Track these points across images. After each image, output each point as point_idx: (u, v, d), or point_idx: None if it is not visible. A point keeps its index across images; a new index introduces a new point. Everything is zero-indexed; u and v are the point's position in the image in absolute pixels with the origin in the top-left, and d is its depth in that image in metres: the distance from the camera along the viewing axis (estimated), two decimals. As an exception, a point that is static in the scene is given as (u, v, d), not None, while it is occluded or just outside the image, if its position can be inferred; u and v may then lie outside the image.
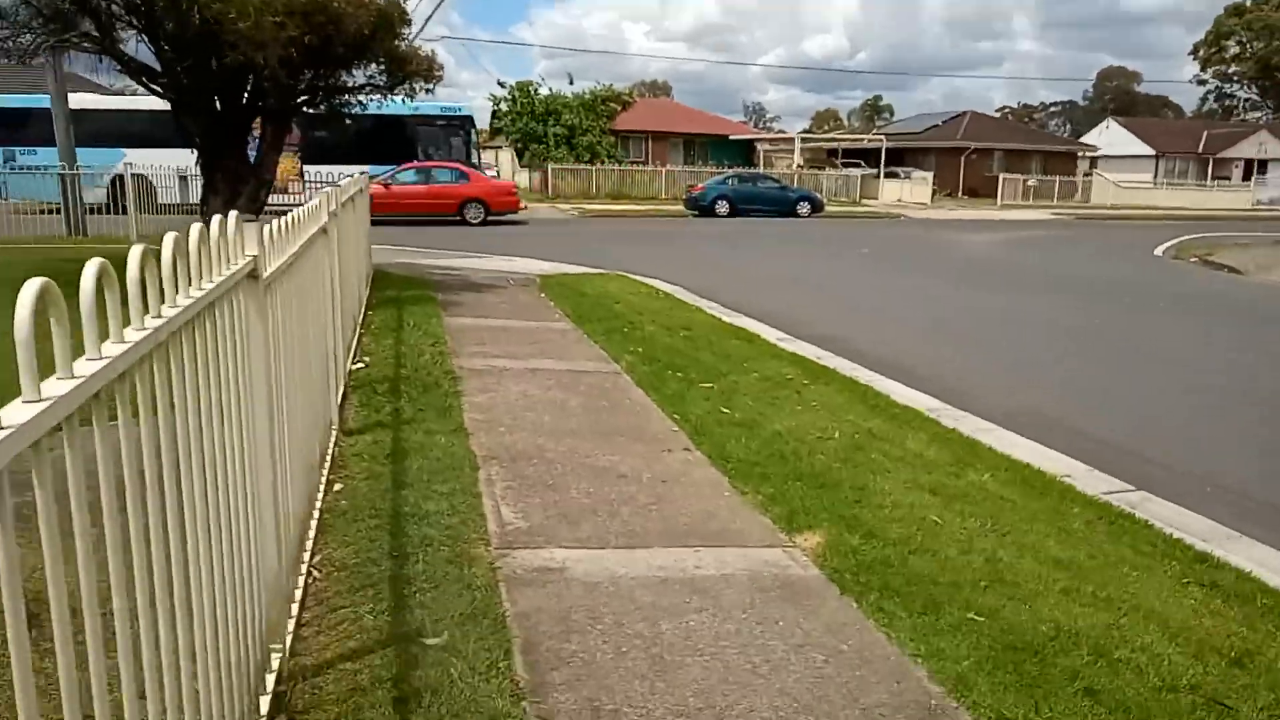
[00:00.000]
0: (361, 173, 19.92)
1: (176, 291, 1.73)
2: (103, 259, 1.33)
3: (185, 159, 29.70)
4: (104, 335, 1.38)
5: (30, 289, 1.12)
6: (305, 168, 28.50)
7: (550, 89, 40.51)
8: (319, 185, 29.08)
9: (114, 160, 25.65)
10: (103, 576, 1.28)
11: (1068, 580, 3.76)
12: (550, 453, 5.13)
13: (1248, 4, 57.99)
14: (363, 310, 8.63)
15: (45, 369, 1.16)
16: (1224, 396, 8.00)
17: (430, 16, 32.81)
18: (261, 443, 2.55)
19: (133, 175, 22.33)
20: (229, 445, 2.09)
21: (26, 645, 1.01)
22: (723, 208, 30.74)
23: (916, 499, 4.59)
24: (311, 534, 3.67)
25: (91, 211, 19.86)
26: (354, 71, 11.27)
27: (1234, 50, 58.35)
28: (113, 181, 25.35)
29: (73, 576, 1.18)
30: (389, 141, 27.21)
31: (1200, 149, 53.31)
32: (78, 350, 1.28)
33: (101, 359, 1.32)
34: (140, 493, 1.46)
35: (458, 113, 28.08)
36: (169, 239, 1.71)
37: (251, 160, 10.97)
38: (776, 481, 4.75)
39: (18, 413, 1.08)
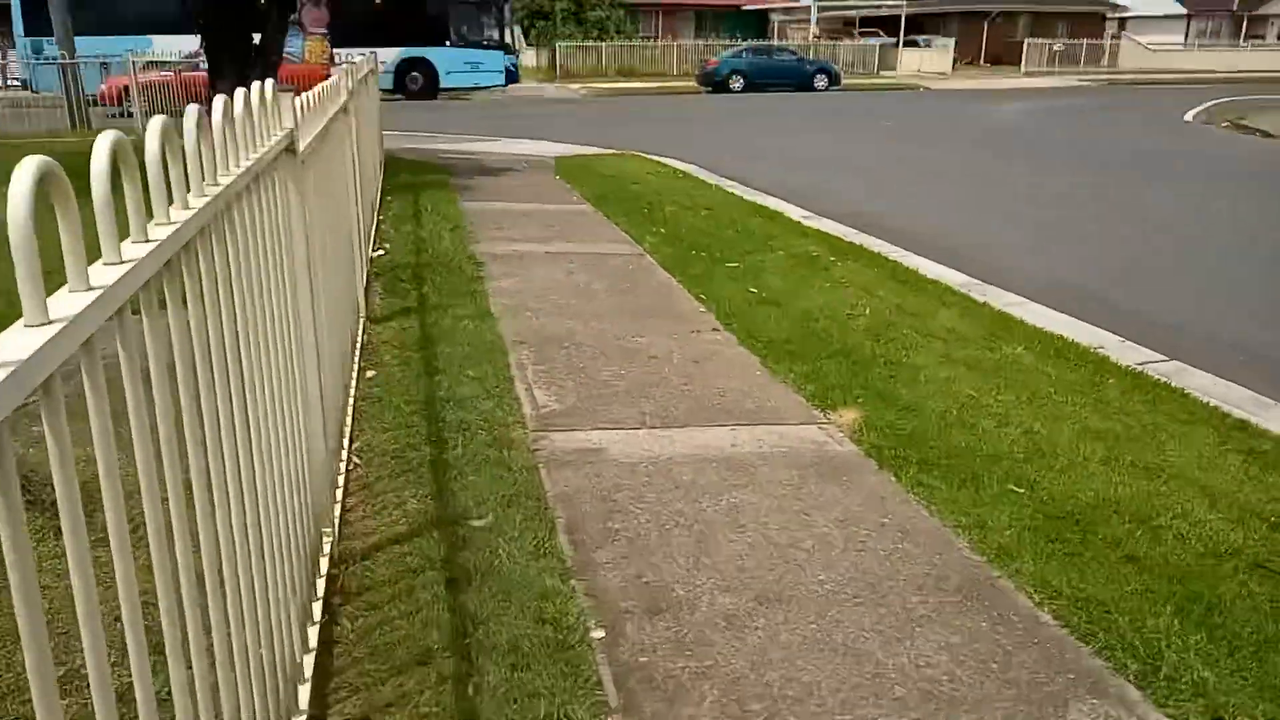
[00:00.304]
0: (398, 56, 20.20)
1: (229, 161, 1.66)
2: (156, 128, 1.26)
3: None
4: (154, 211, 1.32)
5: (104, 141, 1.06)
6: (335, 51, 28.01)
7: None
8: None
9: (142, 49, 24.44)
10: (181, 450, 1.26)
11: (1106, 450, 3.74)
12: (579, 335, 5.10)
13: None
14: (379, 196, 8.51)
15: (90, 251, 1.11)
16: (1256, 265, 7.84)
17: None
18: (305, 325, 2.52)
19: (145, 64, 20.94)
20: (277, 328, 2.05)
21: (84, 536, 0.99)
22: (737, 83, 29.91)
23: (951, 373, 4.55)
24: (349, 421, 3.68)
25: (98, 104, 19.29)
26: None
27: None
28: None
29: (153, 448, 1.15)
30: (419, 22, 26.36)
31: (1235, 6, 50.97)
32: (122, 232, 1.23)
33: (171, 223, 1.27)
34: (208, 374, 1.42)
35: None
36: (201, 112, 1.63)
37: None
38: (809, 359, 4.72)
39: (104, 274, 1.04)
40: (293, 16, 10.58)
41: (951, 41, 40.96)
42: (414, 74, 26.64)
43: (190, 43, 22.38)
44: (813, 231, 8.07)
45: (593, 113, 22.55)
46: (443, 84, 26.85)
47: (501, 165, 12.01)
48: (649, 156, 12.78)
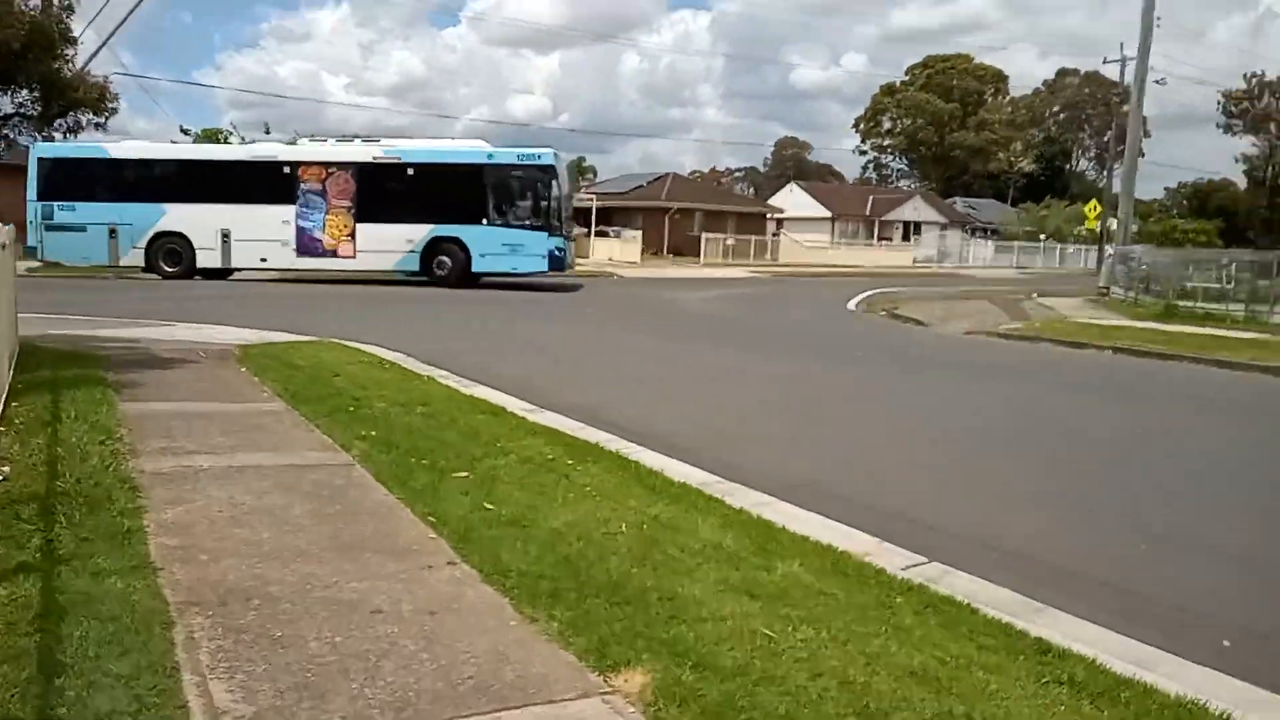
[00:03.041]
0: (428, 234, 22.82)
1: None
2: None
3: (232, 216, 24.00)
4: None
5: None
6: (360, 227, 23.90)
7: (243, 138, 37.49)
8: (371, 252, 24.05)
9: (154, 218, 23.90)
10: None
11: (934, 700, 3.22)
12: (275, 586, 3.95)
13: (898, 84, 66.18)
14: (3, 399, 6.78)
15: None
16: (968, 446, 8.21)
17: (105, 42, 29.26)
18: None
19: (157, 234, 23.63)
20: None
21: None
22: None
23: (736, 606, 3.92)
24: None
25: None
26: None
27: (888, 125, 66.27)
28: (151, 240, 23.91)
29: None
30: (452, 196, 23.75)
31: (868, 212, 59.60)
32: None
33: None
34: None
35: (535, 160, 23.44)
36: None
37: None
38: (571, 599, 3.90)
39: None
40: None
41: (639, 233, 43.86)
42: (443, 256, 23.60)
43: (207, 213, 23.31)
44: (542, 429, 7.41)
45: (276, 295, 20.99)
46: (475, 268, 23.62)
47: (175, 355, 10.39)
48: (349, 344, 11.70)
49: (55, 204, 23.82)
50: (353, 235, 23.64)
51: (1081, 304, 23.56)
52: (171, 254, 23.94)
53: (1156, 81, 26.21)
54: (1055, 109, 61.70)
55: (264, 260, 23.99)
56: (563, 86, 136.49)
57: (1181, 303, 20.08)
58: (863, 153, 73.85)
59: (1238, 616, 4.54)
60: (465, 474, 5.83)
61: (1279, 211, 50.21)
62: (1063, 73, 70.18)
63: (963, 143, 64.60)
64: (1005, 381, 12.57)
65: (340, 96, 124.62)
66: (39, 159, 23.94)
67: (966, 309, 22.47)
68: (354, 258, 23.70)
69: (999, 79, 67.07)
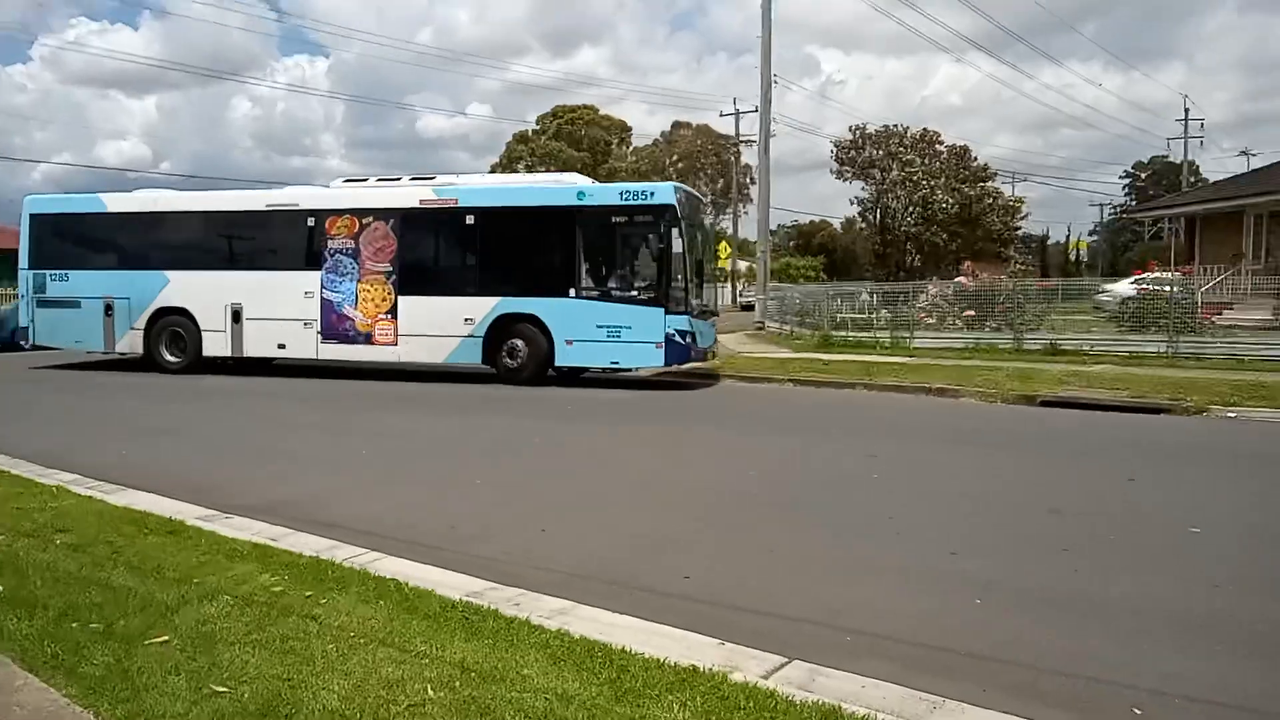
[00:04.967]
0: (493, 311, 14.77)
1: None
2: None
3: (244, 286, 17.31)
4: None
5: None
6: (404, 302, 16.55)
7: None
8: (418, 336, 16.52)
9: (154, 289, 17.86)
10: None
11: None
12: None
13: (529, 133, 67.72)
14: None
15: None
16: (712, 504, 7.69)
17: None
18: None
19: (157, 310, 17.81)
20: None
21: None
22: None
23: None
24: None
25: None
26: None
27: (523, 170, 67.39)
28: (152, 319, 17.91)
29: None
30: (532, 252, 16.37)
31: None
32: None
33: None
34: None
35: (647, 199, 15.44)
36: None
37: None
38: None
39: None
40: None
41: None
42: (514, 341, 16.13)
43: (214, 282, 17.41)
44: (246, 547, 5.72)
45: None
46: (561, 360, 16.02)
47: None
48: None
49: (48, 273, 18.34)
50: (393, 312, 16.55)
51: (743, 338, 24.93)
52: (175, 339, 17.91)
53: (770, 135, 28.56)
54: (674, 158, 66.54)
55: (282, 347, 17.32)
56: (163, 131, 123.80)
57: (835, 332, 21.89)
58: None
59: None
60: (163, 637, 4.15)
61: (890, 246, 57.89)
62: (677, 125, 76.12)
63: (594, 190, 67.21)
64: (713, 426, 12.48)
65: None
66: (32, 215, 18.51)
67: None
68: (394, 344, 16.57)
69: (623, 129, 71.12)
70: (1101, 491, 8.02)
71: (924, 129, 56.50)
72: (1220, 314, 22.23)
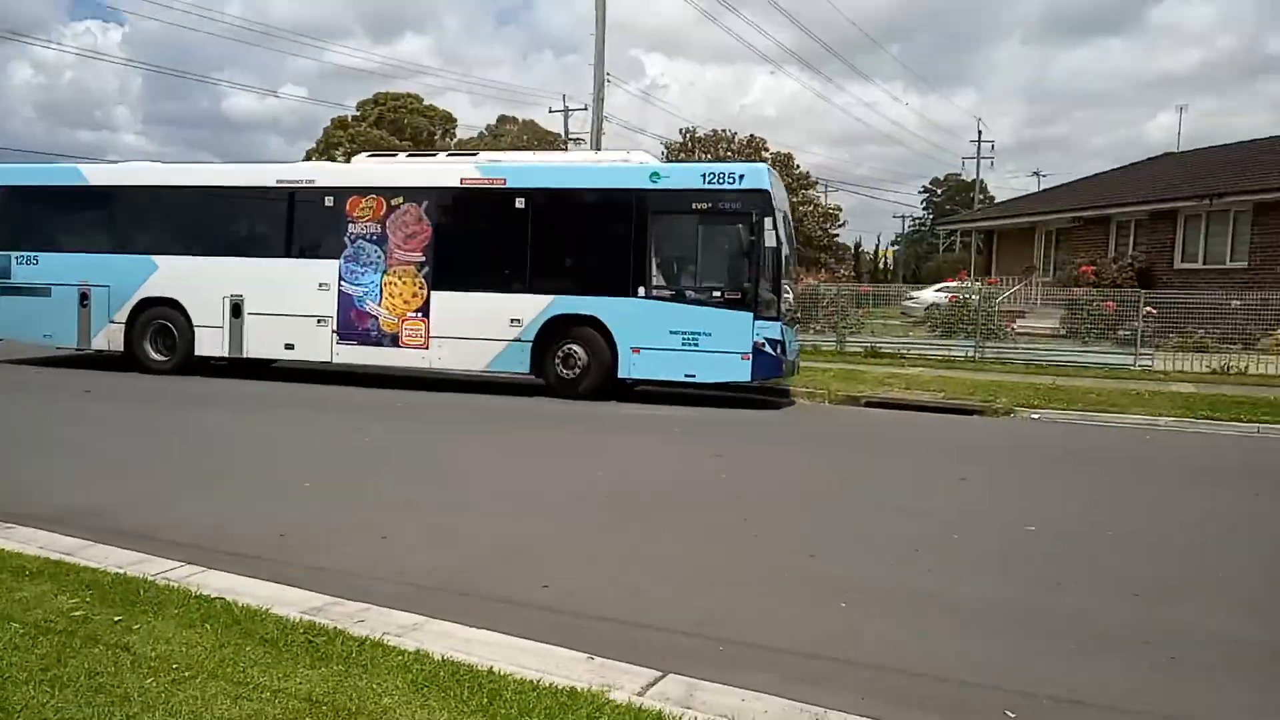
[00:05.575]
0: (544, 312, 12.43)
1: None
2: None
3: (246, 275, 14.99)
4: None
5: None
6: (437, 297, 14.13)
7: None
8: (453, 339, 14.07)
9: (138, 276, 15.24)
10: None
11: None
12: None
13: (349, 119, 64.78)
14: None
15: None
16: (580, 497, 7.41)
17: None
18: None
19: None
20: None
21: None
22: None
23: None
24: None
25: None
26: None
27: (341, 158, 64.45)
28: (134, 312, 15.24)
29: None
30: (593, 243, 13.93)
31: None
32: None
33: None
34: None
35: (735, 184, 13.02)
36: None
37: None
38: None
39: None
40: None
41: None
42: (570, 347, 13.56)
43: (210, 268, 15.00)
44: (36, 563, 4.94)
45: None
46: (625, 371, 13.45)
47: None
48: None
49: (13, 255, 15.72)
50: (424, 310, 14.16)
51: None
52: (163, 335, 15.25)
53: (601, 134, 28.48)
54: (363, 156, 65.39)
55: (290, 348, 14.80)
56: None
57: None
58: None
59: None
60: (-67, 679, 3.44)
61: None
62: (504, 119, 74.98)
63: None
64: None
65: None
66: None
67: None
68: (425, 347, 14.17)
69: (448, 120, 69.23)
70: (939, 491, 8.30)
71: (750, 135, 58.13)
72: (1014, 322, 23.95)
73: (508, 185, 13.96)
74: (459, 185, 14.18)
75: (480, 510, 7.12)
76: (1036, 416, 13.28)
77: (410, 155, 16.05)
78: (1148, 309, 19.62)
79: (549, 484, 8.17)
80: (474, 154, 15.48)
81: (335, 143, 62.25)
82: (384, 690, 3.52)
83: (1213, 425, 12.54)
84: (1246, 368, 18.07)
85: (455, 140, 71.12)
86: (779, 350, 13.04)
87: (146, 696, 3.38)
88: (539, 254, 13.87)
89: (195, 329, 15.04)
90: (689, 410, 13.17)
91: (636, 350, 13.33)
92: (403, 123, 65.59)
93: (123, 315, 15.26)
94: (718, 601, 5.13)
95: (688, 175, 13.69)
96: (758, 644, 4.51)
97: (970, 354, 20.26)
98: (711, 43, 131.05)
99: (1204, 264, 24.16)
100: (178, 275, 15.08)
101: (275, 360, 15.58)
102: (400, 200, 14.30)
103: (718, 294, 13.11)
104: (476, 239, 14.40)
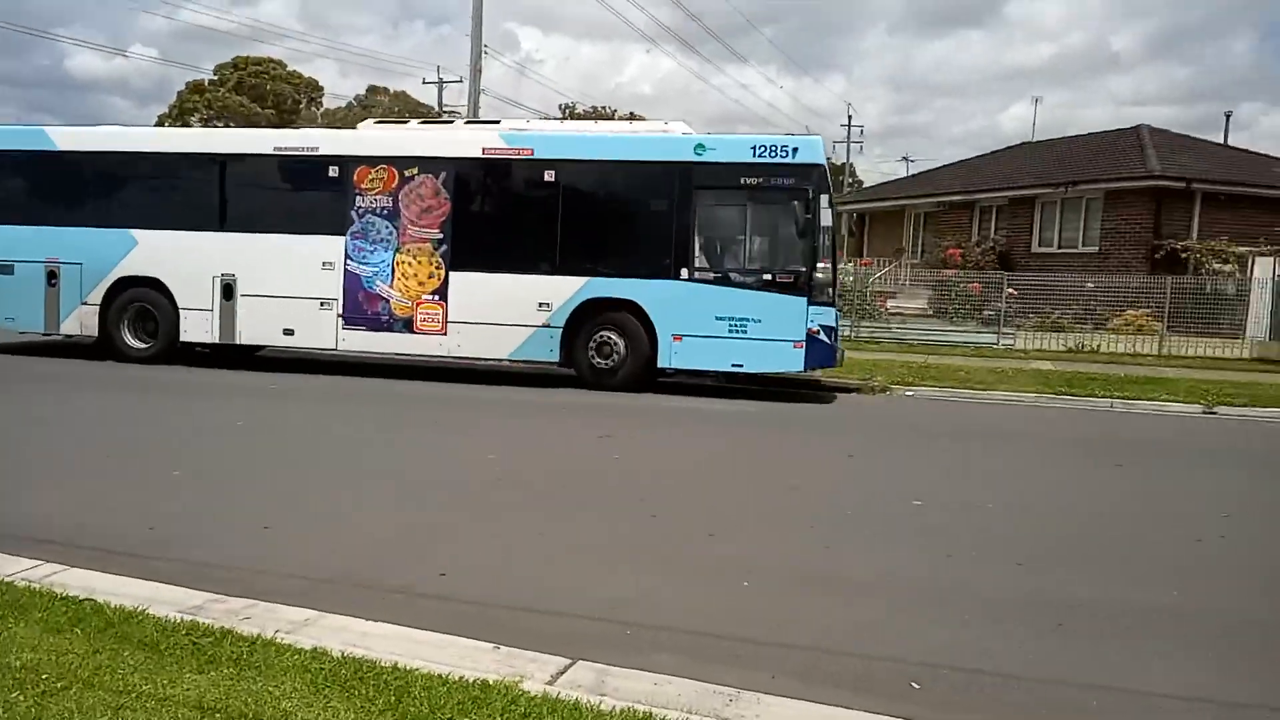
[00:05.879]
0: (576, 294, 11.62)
1: None
2: None
3: (239, 252, 13.53)
4: None
5: None
6: (456, 278, 12.86)
7: None
8: (474, 325, 12.92)
9: (116, 252, 13.72)
10: None
11: None
12: None
13: (206, 83, 61.30)
14: None
15: None
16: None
17: None
18: None
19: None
20: None
21: None
22: None
23: None
24: None
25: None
26: None
27: (197, 126, 61.02)
28: (110, 291, 13.75)
29: None
30: (631, 221, 12.93)
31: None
32: None
33: None
34: None
35: (787, 157, 11.91)
36: None
37: None
38: None
39: None
40: None
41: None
42: (605, 334, 12.49)
43: (197, 243, 13.41)
44: None
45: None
46: (665, 359, 12.38)
47: None
48: None
49: None
50: (441, 293, 12.83)
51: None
52: (143, 318, 13.70)
53: (478, 106, 27.92)
54: (370, 122, 63.37)
55: (289, 333, 13.35)
56: None
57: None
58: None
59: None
60: None
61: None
62: (374, 89, 72.53)
63: (282, 150, 62.30)
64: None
65: None
66: None
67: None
68: (442, 333, 12.88)
69: (314, 89, 66.43)
70: (829, 467, 8.49)
71: (631, 112, 58.21)
72: (886, 303, 24.82)
73: (535, 156, 12.84)
74: (481, 156, 12.99)
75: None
76: (911, 394, 13.76)
77: (424, 122, 15.08)
78: (1009, 290, 20.64)
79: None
80: (496, 121, 14.30)
81: (190, 108, 58.93)
82: (282, 693, 3.31)
83: (1070, 400, 13.31)
84: (1099, 346, 19.27)
85: (322, 110, 68.51)
86: (833, 338, 12.25)
87: (14, 711, 3.07)
88: (570, 232, 12.75)
89: (180, 312, 13.55)
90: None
91: (678, 338, 12.35)
92: (264, 89, 62.56)
93: (97, 296, 13.67)
94: (625, 585, 5.07)
95: (736, 147, 12.42)
96: (665, 626, 4.46)
97: (847, 333, 20.86)
98: (587, 17, 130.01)
99: (1059, 248, 25.59)
100: (160, 252, 13.55)
101: (264, 348, 14.46)
102: (415, 171, 13.04)
103: (768, 277, 12.19)
104: (501, 215, 13.44)
